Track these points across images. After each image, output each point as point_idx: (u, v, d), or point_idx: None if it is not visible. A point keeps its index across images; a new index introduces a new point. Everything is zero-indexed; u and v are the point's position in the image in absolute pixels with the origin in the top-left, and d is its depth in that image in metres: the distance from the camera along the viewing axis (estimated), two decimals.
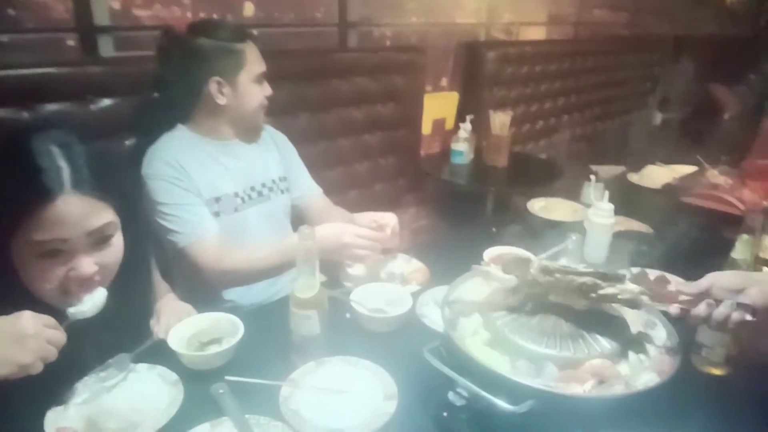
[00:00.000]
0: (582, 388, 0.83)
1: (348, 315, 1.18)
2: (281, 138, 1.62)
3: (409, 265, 1.40)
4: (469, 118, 2.52)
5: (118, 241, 0.90)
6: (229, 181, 1.42)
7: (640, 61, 4.11)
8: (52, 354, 0.78)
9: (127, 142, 1.52)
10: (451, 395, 0.88)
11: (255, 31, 1.42)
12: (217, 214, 1.39)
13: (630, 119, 4.10)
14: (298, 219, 1.62)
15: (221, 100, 1.36)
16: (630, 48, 3.93)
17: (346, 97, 2.20)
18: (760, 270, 1.26)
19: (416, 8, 2.57)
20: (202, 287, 1.34)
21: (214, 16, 1.95)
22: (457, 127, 2.58)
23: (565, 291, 0.96)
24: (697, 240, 1.52)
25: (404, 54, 2.41)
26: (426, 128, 2.63)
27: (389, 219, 1.37)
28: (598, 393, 0.82)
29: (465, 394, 0.87)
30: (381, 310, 1.16)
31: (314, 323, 0.98)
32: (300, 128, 2.00)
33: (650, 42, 4.17)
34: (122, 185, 0.94)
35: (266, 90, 1.44)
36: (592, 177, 1.62)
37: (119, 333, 0.98)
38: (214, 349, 1.01)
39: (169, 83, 1.41)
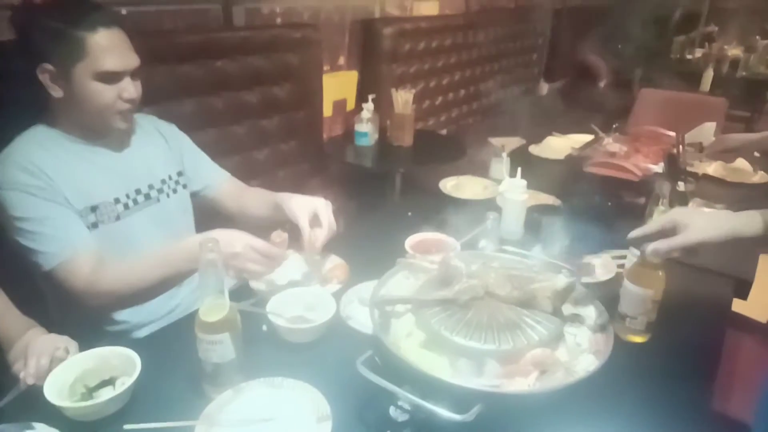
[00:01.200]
0: (527, 382, 0.79)
1: (265, 327, 1.05)
2: (170, 129, 1.41)
3: (327, 262, 1.29)
4: (371, 97, 2.43)
5: None
6: (106, 186, 1.22)
7: (524, 33, 4.25)
8: None
9: None
10: (392, 410, 0.80)
11: (123, 11, 1.19)
12: (94, 225, 1.18)
13: (520, 90, 4.25)
14: (214, 212, 1.45)
15: (56, 93, 1.12)
16: (515, 20, 4.04)
17: (237, 79, 2.01)
18: None
19: None
20: (81, 312, 1.14)
21: None
22: (359, 108, 2.49)
23: (500, 283, 0.92)
24: (603, 208, 1.57)
25: (297, 31, 2.25)
26: (327, 110, 2.51)
27: (322, 208, 1.22)
28: (543, 386, 0.79)
29: (407, 406, 0.80)
30: (302, 318, 1.05)
31: (227, 348, 0.85)
32: (185, 115, 1.79)
33: (533, 14, 4.32)
34: None
35: (126, 91, 1.16)
36: (504, 153, 1.60)
37: None
38: (105, 395, 0.84)
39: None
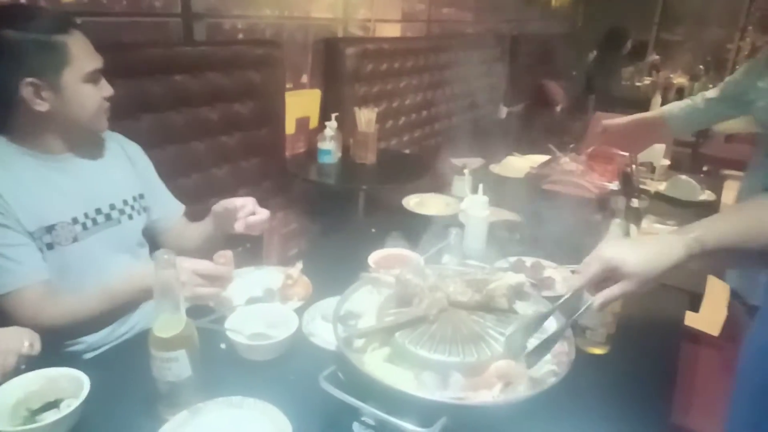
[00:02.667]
0: (491, 394, 0.79)
1: (223, 345, 1.02)
2: (135, 149, 1.37)
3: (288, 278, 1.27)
4: (334, 115, 2.43)
5: None
6: (64, 205, 1.16)
7: (484, 58, 4.37)
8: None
9: None
10: (356, 426, 0.78)
11: (78, 20, 1.17)
12: (50, 246, 1.12)
13: (480, 113, 4.36)
14: (151, 244, 1.39)
15: (41, 107, 1.08)
16: (475, 45, 4.16)
17: (197, 95, 1.98)
18: None
19: (269, 1, 2.42)
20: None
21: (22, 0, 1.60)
22: (322, 126, 2.49)
23: (461, 290, 0.93)
24: (561, 223, 1.60)
25: (259, 48, 2.24)
26: (290, 127, 2.49)
27: (249, 200, 1.25)
28: (506, 398, 0.79)
29: (371, 422, 0.78)
30: (263, 335, 1.02)
31: (183, 365, 0.81)
32: (143, 131, 1.74)
33: (492, 39, 4.46)
34: None
35: (105, 89, 1.19)
36: (466, 171, 1.63)
37: None
38: (50, 417, 0.79)
39: None
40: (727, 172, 3.84)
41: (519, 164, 2.22)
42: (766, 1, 5.73)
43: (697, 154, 4.38)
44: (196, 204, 1.50)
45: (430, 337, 0.87)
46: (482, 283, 0.94)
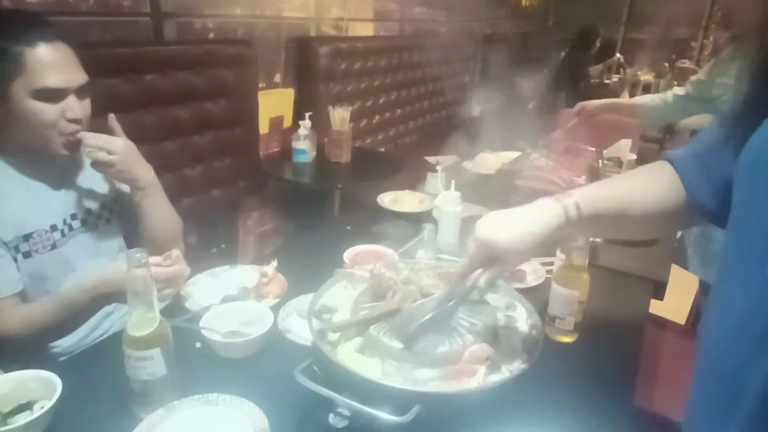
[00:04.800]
0: (476, 380, 0.81)
1: (198, 344, 1.02)
2: None
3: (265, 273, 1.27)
4: (308, 115, 2.43)
5: None
6: (42, 212, 1.13)
7: (457, 56, 4.42)
8: None
9: None
10: (331, 417, 0.80)
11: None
12: (27, 255, 1.10)
13: (453, 111, 4.40)
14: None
15: None
16: (448, 43, 4.20)
17: (168, 94, 1.97)
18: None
19: (240, 0, 2.41)
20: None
21: None
22: (296, 125, 2.48)
23: (433, 283, 0.95)
24: None
25: (231, 47, 2.23)
26: (263, 127, 2.49)
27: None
28: (477, 386, 0.81)
29: (346, 413, 0.79)
30: (238, 333, 1.02)
31: (158, 364, 0.81)
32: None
33: (464, 38, 4.51)
34: None
35: (69, 110, 1.08)
36: (439, 168, 1.65)
37: None
38: (21, 419, 0.78)
39: None
40: None
41: (491, 161, 2.25)
42: (727, 1, 5.91)
43: (664, 149, 4.50)
44: None
45: None
46: (454, 276, 0.96)
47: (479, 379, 0.79)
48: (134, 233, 1.31)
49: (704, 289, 1.88)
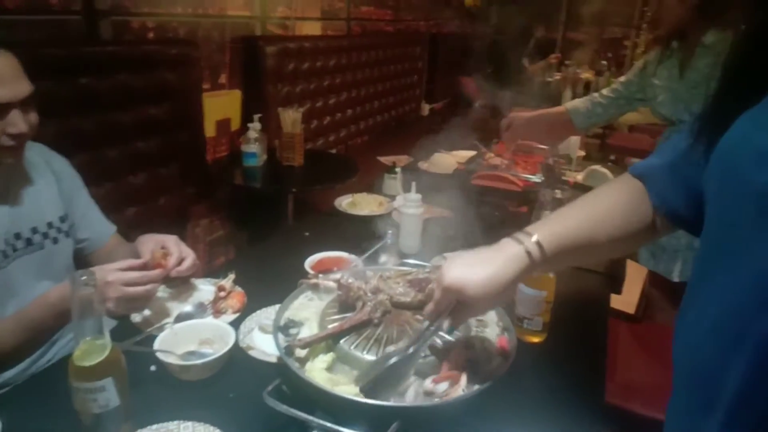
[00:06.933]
0: (461, 386, 0.78)
1: (153, 368, 0.94)
2: (61, 164, 1.22)
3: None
4: (257, 117, 2.35)
5: None
6: None
7: (405, 56, 4.42)
8: None
9: None
10: None
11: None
12: None
13: (403, 111, 4.41)
14: (78, 265, 1.26)
15: None
16: (396, 43, 4.20)
17: (106, 97, 1.84)
18: None
19: None
20: None
21: None
22: (244, 128, 2.39)
23: (403, 290, 0.92)
24: (491, 217, 1.65)
25: (173, 48, 2.12)
26: (209, 130, 2.39)
27: (171, 240, 1.14)
28: (454, 396, 0.78)
29: None
30: (196, 354, 0.95)
31: (110, 394, 0.74)
32: (46, 137, 1.55)
33: (411, 37, 4.52)
34: None
35: (11, 126, 1.00)
36: (398, 169, 1.62)
37: None
38: None
39: None
40: (633, 159, 4.14)
41: (447, 161, 2.25)
42: (656, 2, 6.24)
43: (605, 145, 4.68)
44: (112, 215, 1.39)
45: (376, 341, 0.85)
46: (424, 282, 0.93)
47: (462, 385, 0.77)
48: (83, 252, 1.22)
49: (652, 279, 1.94)
